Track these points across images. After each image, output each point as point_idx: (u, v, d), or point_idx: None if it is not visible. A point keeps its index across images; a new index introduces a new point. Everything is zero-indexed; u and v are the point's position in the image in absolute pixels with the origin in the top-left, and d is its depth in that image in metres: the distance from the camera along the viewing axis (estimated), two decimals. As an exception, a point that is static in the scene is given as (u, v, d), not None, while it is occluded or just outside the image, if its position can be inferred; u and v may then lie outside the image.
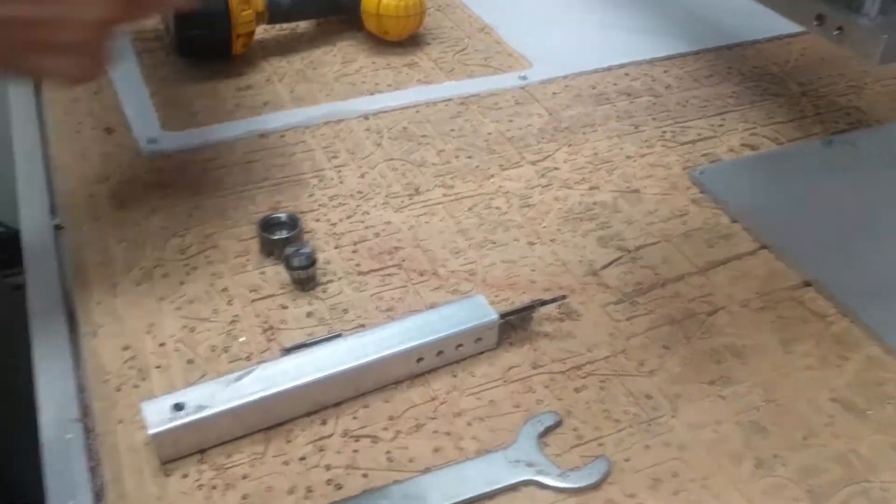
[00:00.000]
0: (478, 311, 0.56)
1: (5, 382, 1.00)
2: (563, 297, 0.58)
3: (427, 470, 0.49)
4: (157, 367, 0.54)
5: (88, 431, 0.52)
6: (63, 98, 0.80)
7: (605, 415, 0.53)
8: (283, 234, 0.63)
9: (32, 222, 0.68)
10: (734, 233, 0.68)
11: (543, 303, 0.58)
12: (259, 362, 0.54)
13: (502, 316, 0.56)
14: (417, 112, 0.81)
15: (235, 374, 0.50)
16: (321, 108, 0.80)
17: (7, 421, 1.00)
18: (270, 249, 0.63)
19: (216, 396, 0.49)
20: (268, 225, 0.63)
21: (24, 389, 0.53)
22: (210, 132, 0.76)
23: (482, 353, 0.56)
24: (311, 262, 0.59)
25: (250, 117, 0.78)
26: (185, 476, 0.48)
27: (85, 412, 0.53)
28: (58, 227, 0.67)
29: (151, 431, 0.47)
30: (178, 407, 0.48)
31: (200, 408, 0.48)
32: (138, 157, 0.73)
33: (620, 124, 0.81)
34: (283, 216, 0.64)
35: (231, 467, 0.49)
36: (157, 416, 0.48)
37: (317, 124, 0.78)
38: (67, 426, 0.52)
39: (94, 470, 0.50)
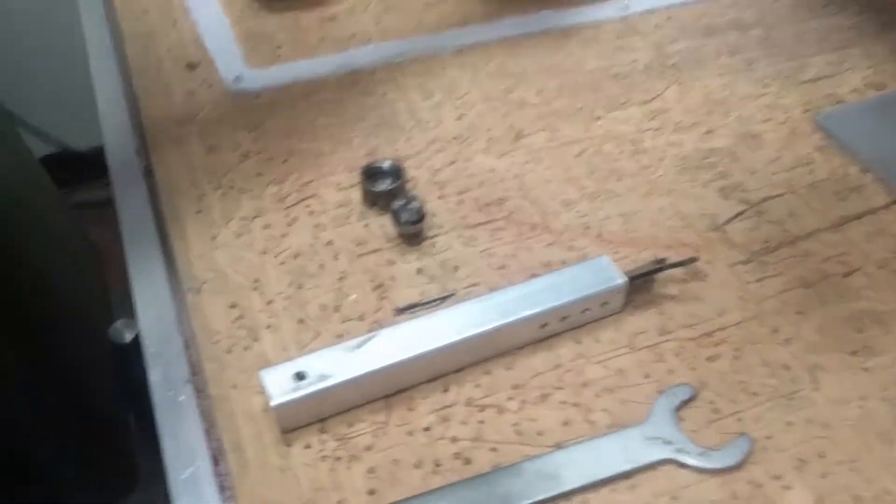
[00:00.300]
0: (603, 272, 0.52)
1: (67, 291, 0.99)
2: (694, 258, 0.54)
3: (559, 445, 0.47)
4: (267, 326, 0.52)
5: (199, 392, 0.50)
6: (140, 30, 0.76)
7: (742, 387, 0.50)
8: (387, 184, 0.59)
9: (120, 163, 0.65)
10: (865, 184, 0.63)
11: (673, 265, 0.54)
12: (375, 325, 0.52)
13: (630, 279, 0.52)
14: (513, 46, 0.76)
15: (356, 340, 0.48)
16: (411, 41, 0.75)
17: (78, 332, 1.00)
18: (374, 200, 0.59)
19: (338, 365, 0.46)
20: (370, 174, 0.60)
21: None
22: (296, 69, 0.72)
23: (606, 316, 0.53)
24: (421, 216, 0.56)
25: (336, 52, 0.74)
26: (307, 447, 0.46)
27: (194, 371, 0.51)
28: (147, 170, 0.64)
29: (274, 403, 0.45)
30: (300, 376, 0.46)
31: (323, 377, 0.46)
32: (224, 96, 0.69)
33: (732, 60, 0.75)
34: (385, 164, 0.60)
35: (354, 437, 0.47)
36: (279, 386, 0.45)
37: (407, 60, 0.74)
38: (179, 387, 0.50)
39: (208, 433, 0.48)
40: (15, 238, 0.90)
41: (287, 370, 0.46)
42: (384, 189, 0.59)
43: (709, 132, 0.68)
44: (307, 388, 0.45)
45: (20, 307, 0.91)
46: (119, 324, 1.01)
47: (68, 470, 1.02)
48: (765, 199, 0.62)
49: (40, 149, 1.51)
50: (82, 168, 1.58)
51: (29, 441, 0.97)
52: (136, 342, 0.97)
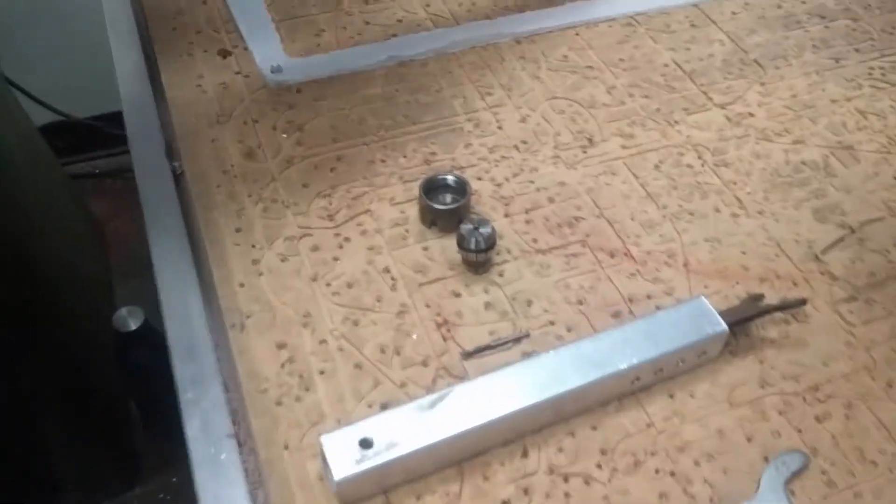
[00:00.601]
0: (702, 318, 0.46)
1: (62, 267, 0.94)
2: (803, 300, 0.48)
3: (657, 525, 0.41)
4: (321, 372, 0.46)
5: (241, 446, 0.45)
6: (166, 9, 0.68)
7: (858, 454, 0.44)
8: (449, 200, 0.53)
9: (146, 166, 0.58)
10: (977, 208, 0.57)
11: (779, 307, 0.48)
12: (441, 371, 0.46)
13: (731, 325, 0.46)
14: (577, 35, 0.69)
15: (428, 399, 0.42)
16: (465, 29, 0.68)
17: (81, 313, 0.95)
18: (434, 219, 0.53)
19: (408, 429, 0.41)
20: (431, 188, 0.53)
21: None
22: (340, 59, 0.65)
23: (701, 366, 0.47)
24: (492, 243, 0.50)
25: (383, 40, 0.67)
26: (372, 523, 0.41)
27: (234, 421, 0.45)
28: (176, 174, 0.57)
29: (338, 477, 0.39)
30: (366, 444, 0.40)
31: (391, 445, 0.40)
32: (262, 90, 0.62)
33: (818, 56, 0.68)
34: (449, 178, 0.54)
35: (424, 511, 0.41)
36: (342, 456, 0.40)
37: (461, 49, 0.66)
38: (220, 442, 0.44)
39: (253, 494, 0.43)
40: (16, 209, 0.84)
41: (351, 436, 0.40)
42: (447, 207, 0.52)
43: (798, 142, 0.61)
44: (374, 460, 0.40)
45: (21, 285, 0.85)
46: (124, 311, 0.95)
47: (69, 462, 0.98)
48: (865, 223, 0.56)
49: (40, 117, 1.43)
50: (82, 137, 1.51)
51: (30, 427, 0.92)
52: (141, 330, 0.92)
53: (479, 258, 0.50)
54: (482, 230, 0.49)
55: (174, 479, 1.01)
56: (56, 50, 1.49)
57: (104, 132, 1.51)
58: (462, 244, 0.50)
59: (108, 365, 0.95)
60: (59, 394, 0.93)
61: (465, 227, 0.50)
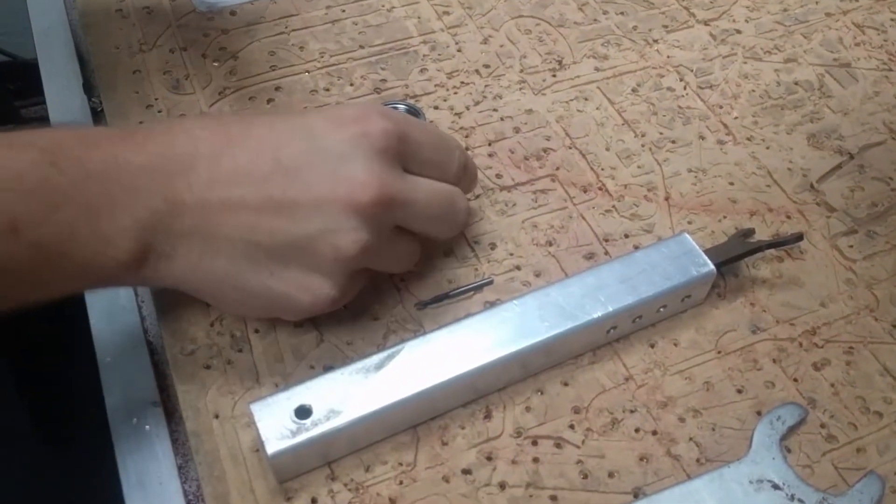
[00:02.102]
0: (685, 257, 0.41)
1: None
2: (799, 236, 0.43)
3: (638, 493, 0.36)
4: (256, 331, 0.41)
5: (169, 416, 0.39)
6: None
7: (860, 404, 0.40)
8: None
9: (62, 100, 0.52)
10: None
11: (771, 244, 0.43)
12: (394, 325, 0.40)
13: (719, 265, 0.41)
14: (545, -53, 0.62)
15: (375, 359, 0.36)
16: (420, -60, 0.61)
17: None
18: None
19: (352, 394, 0.35)
20: None
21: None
22: (280, -24, 0.57)
23: (685, 311, 0.42)
24: None
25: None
26: (313, 500, 0.36)
27: (160, 385, 0.40)
28: (96, 111, 0.51)
29: (271, 451, 0.34)
30: (303, 412, 0.35)
31: (333, 412, 0.35)
32: (191, 14, 0.55)
33: (810, -35, 0.62)
34: (400, 107, 0.48)
35: (373, 484, 0.36)
36: (276, 427, 0.34)
37: (416, -36, 0.59)
38: (143, 412, 0.39)
39: (183, 476, 0.38)
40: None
41: (286, 404, 0.35)
42: None
43: (790, 60, 0.55)
44: (313, 430, 0.34)
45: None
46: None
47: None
48: (865, 148, 0.50)
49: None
50: (34, 80, 1.42)
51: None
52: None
53: None
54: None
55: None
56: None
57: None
58: None
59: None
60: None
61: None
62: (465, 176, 0.41)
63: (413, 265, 0.41)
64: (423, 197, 0.37)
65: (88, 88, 0.52)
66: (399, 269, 0.41)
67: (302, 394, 0.35)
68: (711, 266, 0.40)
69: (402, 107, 0.48)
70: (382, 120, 0.36)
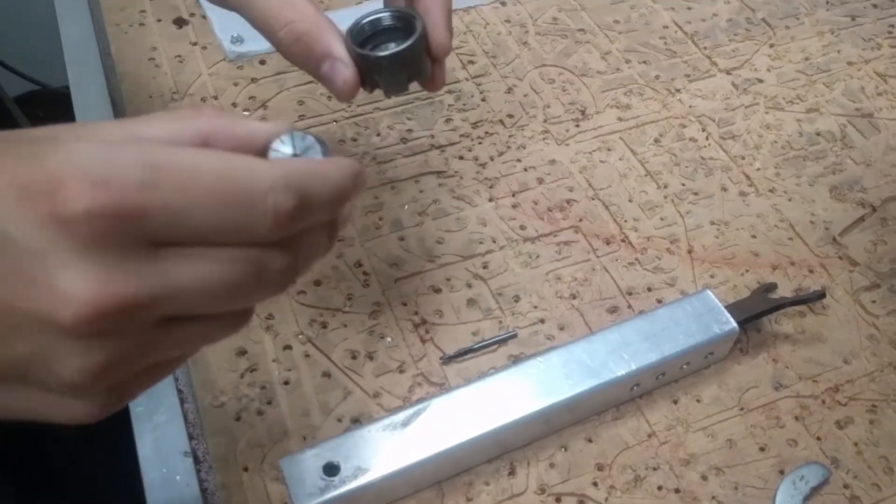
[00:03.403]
0: (708, 315, 0.41)
1: None
2: (822, 294, 0.43)
3: (661, 552, 0.37)
4: (285, 382, 0.41)
5: (198, 464, 0.40)
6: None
7: (884, 464, 0.40)
8: (393, 47, 0.37)
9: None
10: None
11: (794, 302, 0.43)
12: (419, 378, 0.41)
13: (741, 322, 0.41)
14: (568, -5, 0.63)
15: (402, 416, 0.37)
16: (446, -11, 0.62)
17: None
18: (373, 76, 0.37)
19: (379, 451, 0.36)
20: (365, 35, 0.38)
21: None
22: (308, 25, 0.59)
23: (708, 367, 0.42)
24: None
25: (353, 5, 0.61)
26: (340, 556, 0.36)
27: (191, 434, 0.41)
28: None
29: (299, 509, 0.34)
30: (331, 470, 0.35)
31: (360, 471, 0.35)
32: (221, 63, 0.56)
33: (832, 14, 0.62)
34: (385, 17, 0.38)
35: (398, 540, 0.37)
36: (305, 484, 0.35)
37: (442, 13, 0.60)
38: (174, 462, 0.40)
39: (212, 521, 0.38)
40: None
41: (315, 461, 0.36)
42: (389, 53, 0.36)
43: (812, 110, 0.55)
44: (341, 487, 0.35)
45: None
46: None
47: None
48: (888, 200, 0.51)
49: (17, 87, 1.37)
50: (60, 107, 1.45)
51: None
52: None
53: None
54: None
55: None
56: (29, 18, 1.43)
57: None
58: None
59: None
60: None
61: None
62: (293, 227, 0.25)
63: (240, 329, 0.27)
64: (192, 282, 0.24)
65: (122, 136, 0.53)
66: (216, 340, 0.27)
67: (330, 450, 0.36)
68: (734, 324, 0.41)
69: (387, 15, 0.38)
70: (88, 191, 0.22)
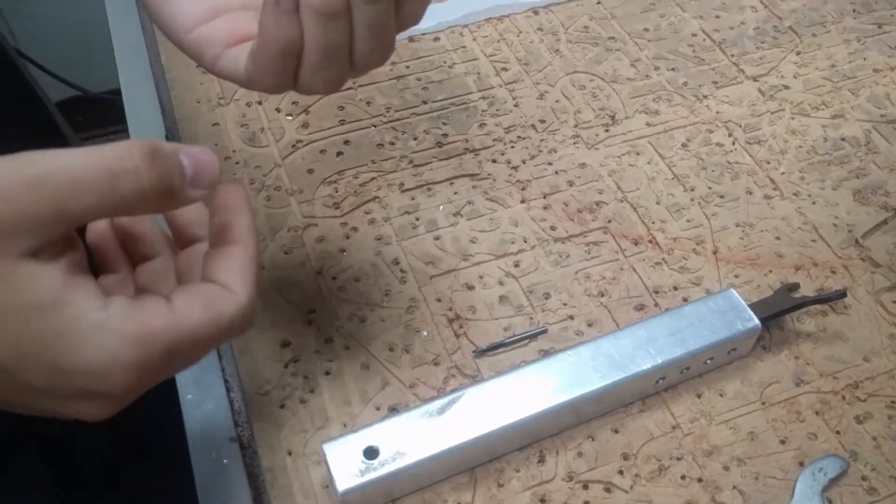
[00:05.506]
0: (732, 312, 0.43)
1: None
2: (843, 293, 0.45)
3: (684, 537, 0.38)
4: (327, 373, 0.44)
5: (244, 449, 0.43)
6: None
7: (902, 458, 0.41)
8: None
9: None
10: None
11: (815, 300, 0.44)
12: (453, 370, 0.43)
13: (764, 319, 0.43)
14: (599, 3, 0.65)
15: (438, 404, 0.39)
16: (479, 0, 0.64)
17: None
18: None
19: (416, 436, 0.38)
20: None
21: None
22: (348, 33, 0.61)
23: (730, 363, 0.44)
24: None
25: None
26: (379, 535, 0.38)
27: (237, 423, 0.43)
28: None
29: (341, 489, 0.37)
30: (371, 453, 0.38)
31: (399, 454, 0.38)
32: (266, 69, 0.59)
33: (858, 22, 0.63)
34: None
35: (434, 522, 0.39)
36: (346, 466, 0.37)
37: (476, 21, 0.63)
38: (222, 447, 0.42)
39: (257, 501, 0.41)
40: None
41: (356, 445, 0.38)
42: None
43: (837, 116, 0.57)
44: (381, 470, 0.37)
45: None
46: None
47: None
48: (911, 204, 0.52)
49: (57, 92, 1.42)
50: (100, 112, 1.50)
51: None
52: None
53: None
54: None
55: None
56: (71, 25, 1.48)
57: (121, 106, 1.49)
58: None
59: None
60: None
61: None
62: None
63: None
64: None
65: (170, 140, 0.56)
66: None
67: (370, 435, 0.38)
68: (757, 321, 0.42)
69: None
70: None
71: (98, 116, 1.59)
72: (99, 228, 0.34)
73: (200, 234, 0.35)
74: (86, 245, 0.31)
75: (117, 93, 0.60)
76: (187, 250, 0.35)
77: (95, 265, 0.30)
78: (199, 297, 0.29)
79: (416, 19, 0.34)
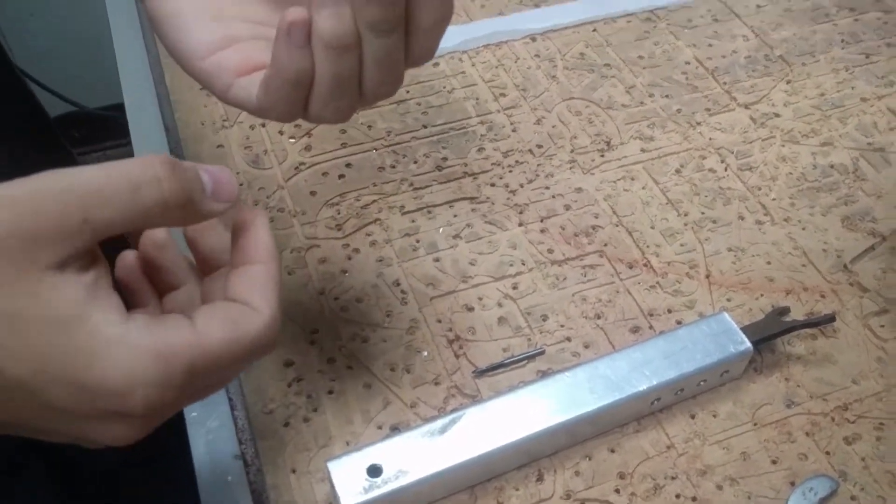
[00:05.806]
0: (725, 335, 0.44)
1: None
2: (832, 317, 0.46)
3: (678, 555, 0.39)
4: (330, 392, 0.45)
5: (247, 466, 0.43)
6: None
7: (889, 479, 0.42)
8: None
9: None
10: None
11: (805, 324, 0.46)
12: (453, 390, 0.44)
13: (755, 342, 0.44)
14: (595, 31, 0.66)
15: (439, 424, 0.40)
16: (478, 25, 0.66)
17: None
18: None
19: (419, 455, 0.39)
20: None
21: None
22: (350, 58, 0.63)
23: (723, 384, 0.45)
24: None
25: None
26: (381, 552, 0.39)
27: (241, 441, 0.44)
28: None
29: (345, 506, 0.38)
30: (374, 471, 0.39)
31: (401, 473, 0.39)
32: (269, 92, 0.60)
33: (846, 52, 0.65)
34: None
35: (434, 539, 0.40)
36: (350, 485, 0.38)
37: (475, 47, 0.64)
38: (226, 464, 0.43)
39: (261, 519, 0.41)
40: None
41: (359, 463, 0.39)
42: None
43: (826, 144, 0.58)
44: (384, 488, 0.38)
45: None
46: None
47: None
48: (897, 231, 0.53)
49: (54, 108, 1.43)
50: (96, 128, 1.51)
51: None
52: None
53: None
54: None
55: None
56: (67, 41, 1.49)
57: (117, 122, 1.51)
58: None
59: None
60: None
61: None
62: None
63: None
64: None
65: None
66: None
67: (373, 453, 0.39)
68: (748, 344, 0.44)
69: None
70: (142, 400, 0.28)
71: (95, 132, 1.61)
72: (127, 263, 0.34)
73: (224, 260, 0.35)
74: (114, 279, 0.31)
75: (114, 108, 0.61)
76: (211, 276, 0.36)
77: (125, 301, 0.31)
78: (220, 315, 0.30)
79: (429, 55, 0.35)
